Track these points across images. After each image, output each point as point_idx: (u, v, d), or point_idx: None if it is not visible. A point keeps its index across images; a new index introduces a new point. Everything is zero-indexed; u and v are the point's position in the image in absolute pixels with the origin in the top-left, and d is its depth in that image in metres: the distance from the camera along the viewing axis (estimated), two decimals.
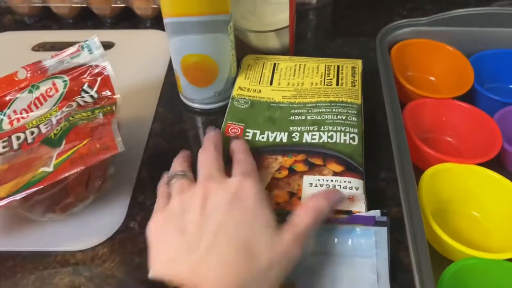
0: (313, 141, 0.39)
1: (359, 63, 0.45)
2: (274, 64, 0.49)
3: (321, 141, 0.39)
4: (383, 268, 0.34)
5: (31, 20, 0.65)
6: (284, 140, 0.40)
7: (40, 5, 0.62)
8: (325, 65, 0.47)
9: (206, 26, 0.42)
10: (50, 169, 0.35)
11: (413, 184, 0.36)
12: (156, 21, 0.64)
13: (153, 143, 0.45)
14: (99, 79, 0.44)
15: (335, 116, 0.40)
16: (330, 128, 0.39)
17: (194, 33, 0.42)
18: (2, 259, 0.37)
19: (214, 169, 0.34)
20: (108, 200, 0.41)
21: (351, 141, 0.38)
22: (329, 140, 0.38)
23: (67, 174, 0.35)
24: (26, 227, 0.39)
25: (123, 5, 0.61)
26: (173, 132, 0.47)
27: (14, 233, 0.39)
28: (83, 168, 0.36)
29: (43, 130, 0.40)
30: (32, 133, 0.40)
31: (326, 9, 0.70)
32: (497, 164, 0.42)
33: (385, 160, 0.45)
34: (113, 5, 0.61)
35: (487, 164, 0.40)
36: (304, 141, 0.39)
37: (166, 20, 0.43)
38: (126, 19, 0.65)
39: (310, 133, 0.39)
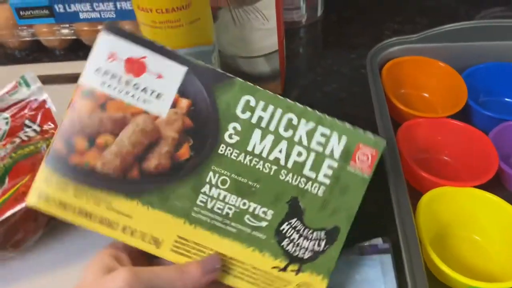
0: None
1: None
2: None
3: None
4: None
5: (21, 54, 0.65)
6: None
7: (30, 39, 0.62)
8: None
9: None
10: None
11: (408, 211, 0.35)
12: None
13: None
14: (40, 113, 0.45)
15: None
16: None
17: None
18: None
19: None
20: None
21: None
22: None
23: (12, 212, 0.36)
24: (25, 272, 0.39)
25: None
26: None
27: (16, 281, 0.38)
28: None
29: None
30: None
31: (316, 26, 0.69)
32: (496, 183, 0.42)
33: (379, 183, 0.44)
34: None
35: (486, 184, 0.39)
36: None
37: None
38: None
39: None
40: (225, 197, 0.30)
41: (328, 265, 0.31)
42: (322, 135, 0.31)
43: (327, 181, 0.31)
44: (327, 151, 0.31)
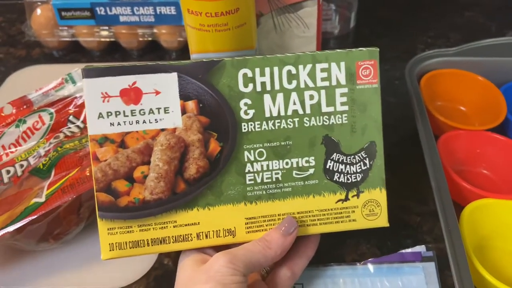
0: None
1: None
2: None
3: None
4: None
5: (59, 54, 0.66)
6: None
7: (70, 39, 0.64)
8: None
9: None
10: (42, 199, 0.37)
11: (455, 220, 0.35)
12: (181, 53, 0.65)
13: None
14: (84, 110, 0.45)
15: None
16: None
17: None
18: None
19: None
20: None
21: None
22: None
23: (59, 203, 0.37)
24: (64, 264, 0.39)
25: (150, 39, 0.63)
26: None
27: (56, 273, 0.39)
28: (74, 196, 0.37)
29: (32, 162, 0.41)
30: (22, 166, 0.41)
31: (347, 38, 0.70)
32: None
33: (419, 193, 0.44)
34: (140, 39, 0.63)
35: None
36: None
37: (192, 56, 0.44)
38: (153, 51, 0.66)
39: None
40: (268, 166, 0.32)
41: (380, 175, 0.33)
42: (322, 70, 0.32)
43: (346, 107, 0.32)
44: (334, 82, 0.32)
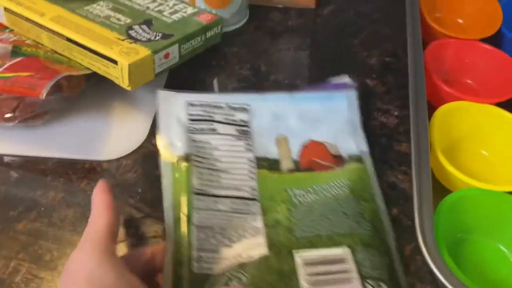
0: None
1: None
2: None
3: None
4: (356, 121, 0.39)
5: None
6: None
7: None
8: None
9: None
10: None
11: (425, 120, 0.37)
12: None
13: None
14: None
15: None
16: None
17: None
18: (34, 163, 0.40)
19: None
20: (131, 117, 0.44)
21: None
22: None
23: None
24: (57, 135, 0.42)
25: None
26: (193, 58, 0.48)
27: (41, 140, 0.42)
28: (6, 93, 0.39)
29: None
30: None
31: None
32: None
33: (401, 98, 0.45)
34: None
35: (506, 107, 0.40)
36: None
37: None
38: None
39: None
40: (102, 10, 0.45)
41: (156, 46, 0.41)
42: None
43: (176, 18, 0.45)
44: (182, 10, 0.46)
